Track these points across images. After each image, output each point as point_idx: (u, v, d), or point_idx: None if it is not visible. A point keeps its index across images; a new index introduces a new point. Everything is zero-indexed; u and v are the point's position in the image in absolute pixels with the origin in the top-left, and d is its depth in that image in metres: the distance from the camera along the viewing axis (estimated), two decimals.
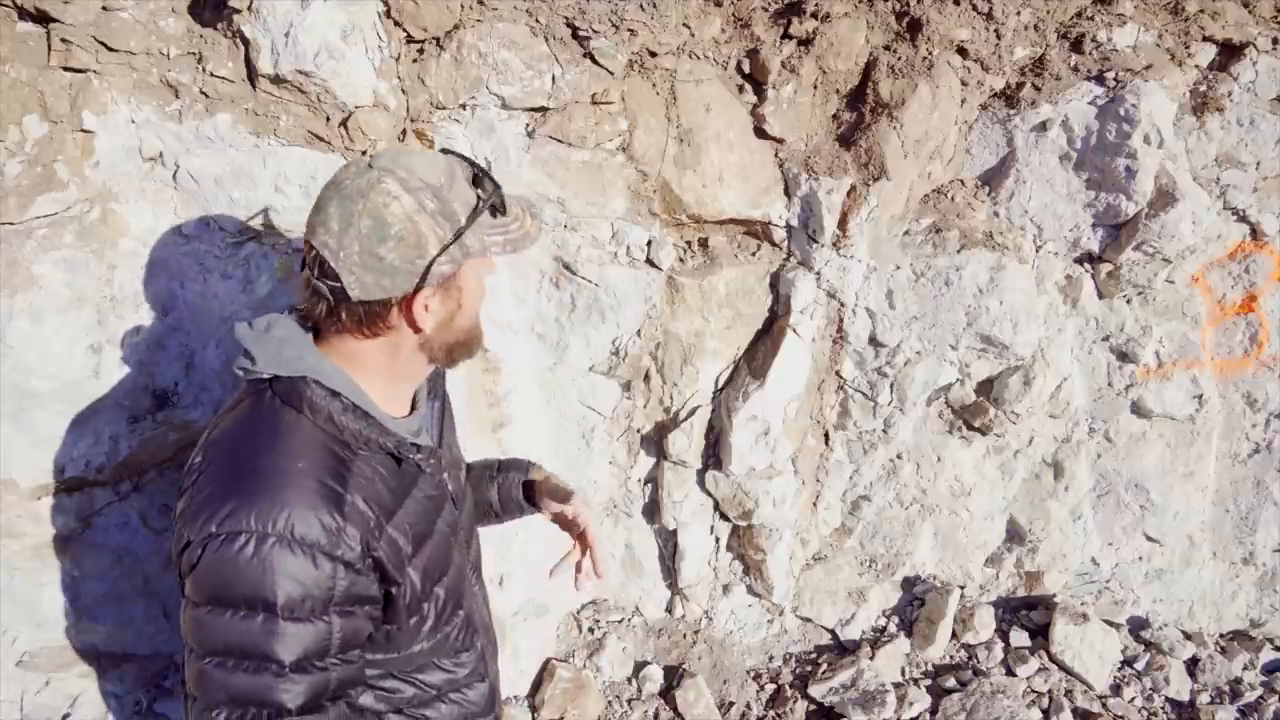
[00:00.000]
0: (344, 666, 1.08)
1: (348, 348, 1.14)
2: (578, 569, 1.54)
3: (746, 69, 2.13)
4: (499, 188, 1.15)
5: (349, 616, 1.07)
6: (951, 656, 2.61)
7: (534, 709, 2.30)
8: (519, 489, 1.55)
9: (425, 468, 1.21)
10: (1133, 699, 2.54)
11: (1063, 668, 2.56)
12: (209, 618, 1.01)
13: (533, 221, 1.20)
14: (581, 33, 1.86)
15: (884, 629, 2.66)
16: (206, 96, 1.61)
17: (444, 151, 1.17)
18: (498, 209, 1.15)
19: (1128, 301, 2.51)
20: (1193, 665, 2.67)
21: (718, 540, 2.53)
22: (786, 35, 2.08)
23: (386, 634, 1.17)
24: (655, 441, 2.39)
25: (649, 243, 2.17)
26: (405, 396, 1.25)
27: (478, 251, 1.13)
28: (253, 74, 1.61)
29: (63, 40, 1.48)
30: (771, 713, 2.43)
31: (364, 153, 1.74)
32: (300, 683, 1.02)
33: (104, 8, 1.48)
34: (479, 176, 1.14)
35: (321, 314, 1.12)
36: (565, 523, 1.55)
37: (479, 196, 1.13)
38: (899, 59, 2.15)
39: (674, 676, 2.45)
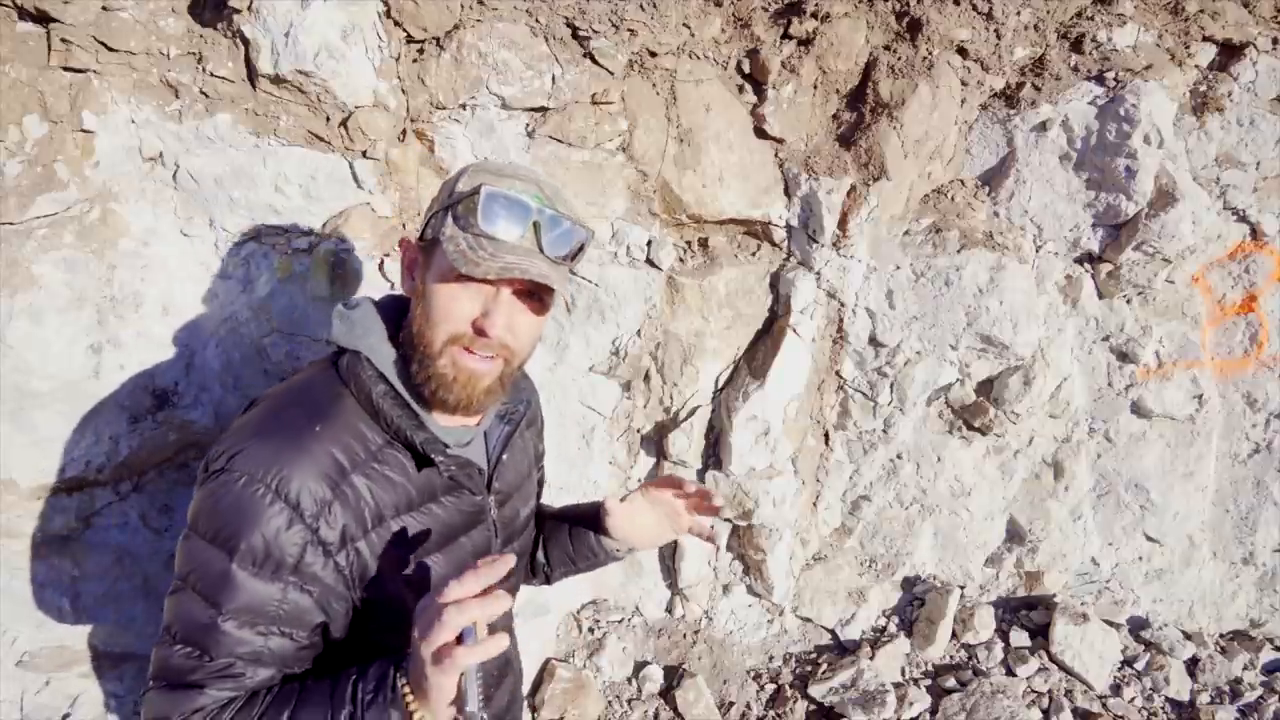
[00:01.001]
0: (278, 640, 1.06)
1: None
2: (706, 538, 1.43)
3: (746, 69, 2.13)
4: (478, 199, 1.09)
5: (301, 592, 1.05)
6: (951, 656, 2.61)
7: (534, 709, 2.30)
8: (591, 513, 1.47)
9: (462, 481, 1.19)
10: (1133, 699, 2.54)
11: (1063, 668, 2.56)
12: (186, 542, 1.05)
13: (536, 265, 1.10)
14: (581, 33, 1.86)
15: (884, 629, 2.66)
16: (206, 96, 1.61)
17: (529, 183, 1.15)
18: (461, 216, 1.11)
19: (1128, 301, 2.51)
20: (1193, 665, 2.67)
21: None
22: (786, 35, 2.08)
23: (373, 639, 1.12)
24: (655, 441, 2.39)
25: (649, 243, 2.16)
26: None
27: (442, 237, 1.11)
28: (253, 74, 1.61)
29: (63, 40, 1.48)
30: (771, 713, 2.43)
31: (364, 153, 1.74)
32: (229, 635, 1.02)
33: (104, 8, 1.48)
34: (509, 200, 1.11)
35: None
36: (657, 486, 1.40)
37: (478, 202, 1.10)
38: (899, 59, 2.14)
39: (674, 676, 2.45)
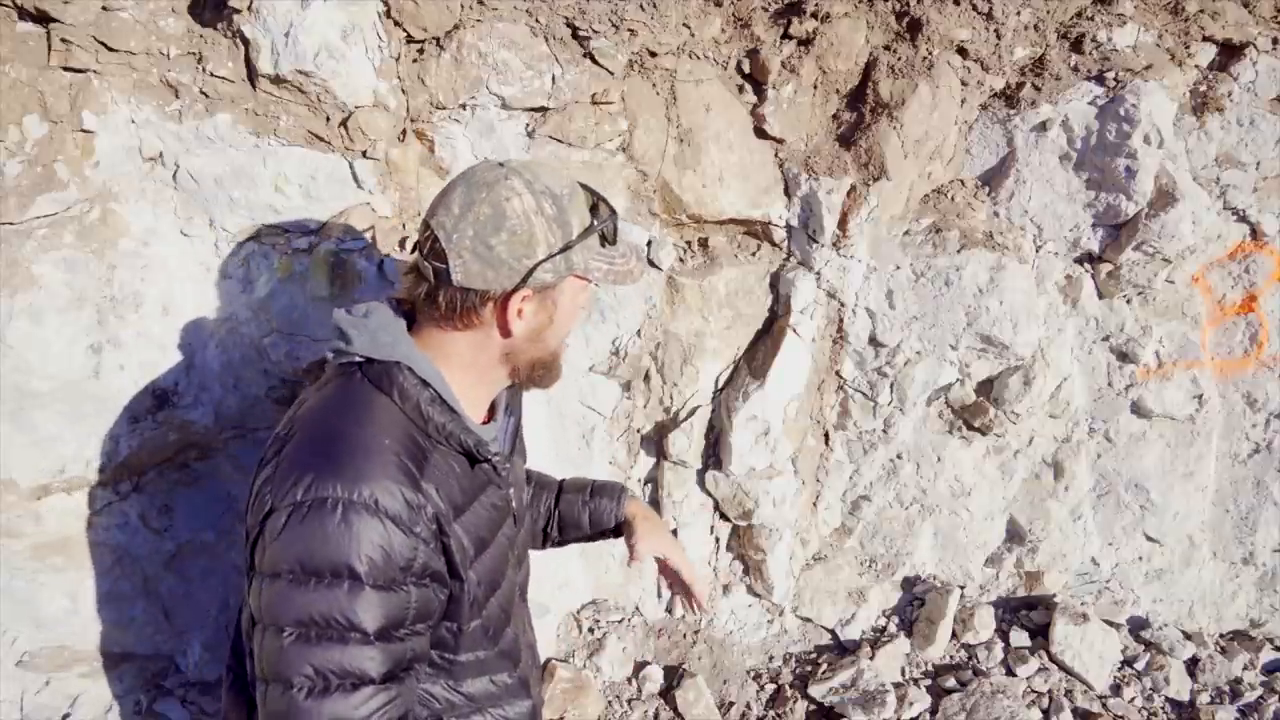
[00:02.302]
0: (416, 639, 1.09)
1: (438, 340, 1.17)
2: (676, 591, 1.64)
3: (746, 69, 2.13)
4: (615, 215, 1.18)
5: (423, 588, 1.07)
6: (951, 656, 2.61)
7: None
8: (611, 518, 1.58)
9: (501, 472, 1.22)
10: (1133, 699, 2.54)
11: (1063, 668, 2.56)
12: (291, 589, 1.00)
13: (638, 263, 1.23)
14: (581, 33, 1.86)
15: (884, 629, 2.66)
16: (206, 96, 1.61)
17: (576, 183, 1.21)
18: (607, 237, 1.18)
19: (1128, 301, 2.51)
20: (1193, 665, 2.67)
21: (718, 540, 2.53)
22: (786, 35, 2.08)
23: (448, 631, 1.17)
24: (655, 441, 2.39)
25: (649, 243, 2.17)
26: (483, 403, 1.26)
27: (580, 269, 1.15)
28: (253, 74, 1.61)
29: (63, 40, 1.48)
30: (771, 713, 2.43)
31: (364, 153, 1.74)
32: (383, 651, 1.02)
33: (104, 8, 1.48)
34: (598, 204, 1.18)
35: (420, 296, 1.16)
36: (663, 567, 1.61)
37: (594, 218, 1.16)
38: (899, 59, 2.15)
39: (674, 676, 2.45)
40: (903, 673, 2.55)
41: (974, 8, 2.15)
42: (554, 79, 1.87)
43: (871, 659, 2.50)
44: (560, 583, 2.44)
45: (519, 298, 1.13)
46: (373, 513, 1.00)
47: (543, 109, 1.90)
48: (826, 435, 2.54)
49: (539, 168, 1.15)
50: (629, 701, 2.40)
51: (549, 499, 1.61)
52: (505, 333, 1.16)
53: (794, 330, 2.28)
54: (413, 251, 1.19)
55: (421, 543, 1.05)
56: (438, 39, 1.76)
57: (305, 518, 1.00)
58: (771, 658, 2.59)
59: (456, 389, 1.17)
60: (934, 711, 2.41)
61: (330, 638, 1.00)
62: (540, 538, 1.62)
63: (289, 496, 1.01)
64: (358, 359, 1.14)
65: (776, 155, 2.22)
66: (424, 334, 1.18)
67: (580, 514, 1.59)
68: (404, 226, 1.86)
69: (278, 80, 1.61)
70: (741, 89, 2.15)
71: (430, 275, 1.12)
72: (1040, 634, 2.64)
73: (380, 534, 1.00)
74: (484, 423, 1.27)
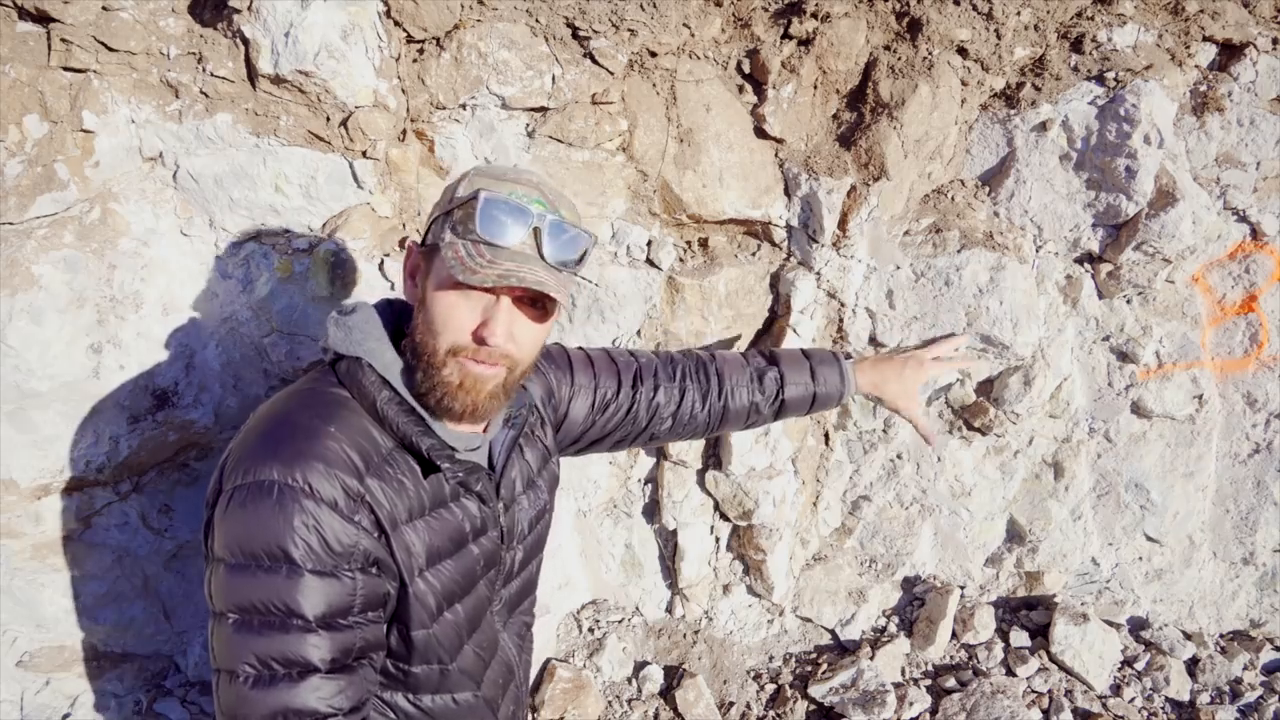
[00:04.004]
0: (367, 628, 1.06)
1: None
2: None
3: (746, 69, 2.13)
4: (476, 215, 1.09)
5: (369, 575, 1.05)
6: (951, 656, 2.61)
7: (534, 709, 2.30)
8: (840, 395, 1.73)
9: (471, 486, 1.19)
10: (1133, 699, 2.54)
11: (1063, 668, 2.56)
12: (231, 574, 0.99)
13: (534, 272, 1.09)
14: (581, 33, 1.86)
15: (884, 629, 2.66)
16: (206, 96, 1.61)
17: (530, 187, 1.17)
18: (460, 223, 1.11)
19: (1128, 301, 2.51)
20: (1193, 665, 2.67)
21: (718, 540, 2.53)
22: (786, 35, 2.08)
23: (398, 633, 1.14)
24: None
25: (649, 243, 2.17)
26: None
27: (442, 242, 1.13)
28: (253, 74, 1.61)
29: (63, 40, 1.48)
30: (771, 713, 2.43)
31: (364, 153, 1.74)
32: (327, 638, 1.00)
33: (104, 8, 1.48)
34: (509, 206, 1.11)
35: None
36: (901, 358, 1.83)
37: (471, 200, 1.11)
38: (899, 59, 2.15)
39: (674, 676, 2.45)
40: (903, 673, 2.55)
41: (974, 8, 2.15)
42: (554, 79, 1.87)
43: (871, 659, 2.50)
44: (560, 583, 2.44)
45: (415, 250, 1.18)
46: (307, 496, 0.99)
47: (543, 109, 1.90)
48: (826, 435, 2.54)
49: (539, 173, 1.18)
50: (629, 701, 2.40)
51: (763, 386, 1.66)
52: (410, 294, 1.19)
53: (794, 330, 2.28)
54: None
55: (364, 531, 1.03)
56: (438, 39, 1.76)
57: (244, 501, 0.99)
58: (771, 658, 2.59)
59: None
60: (934, 711, 2.41)
61: (272, 625, 0.98)
62: (741, 420, 1.69)
63: (231, 480, 1.01)
64: (331, 355, 1.15)
65: (776, 155, 2.22)
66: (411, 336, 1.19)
67: (804, 396, 1.70)
68: (404, 226, 1.86)
69: (278, 80, 1.61)
70: (741, 89, 2.15)
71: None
72: (1040, 634, 2.64)
73: (315, 519, 0.99)
74: (479, 432, 1.23)
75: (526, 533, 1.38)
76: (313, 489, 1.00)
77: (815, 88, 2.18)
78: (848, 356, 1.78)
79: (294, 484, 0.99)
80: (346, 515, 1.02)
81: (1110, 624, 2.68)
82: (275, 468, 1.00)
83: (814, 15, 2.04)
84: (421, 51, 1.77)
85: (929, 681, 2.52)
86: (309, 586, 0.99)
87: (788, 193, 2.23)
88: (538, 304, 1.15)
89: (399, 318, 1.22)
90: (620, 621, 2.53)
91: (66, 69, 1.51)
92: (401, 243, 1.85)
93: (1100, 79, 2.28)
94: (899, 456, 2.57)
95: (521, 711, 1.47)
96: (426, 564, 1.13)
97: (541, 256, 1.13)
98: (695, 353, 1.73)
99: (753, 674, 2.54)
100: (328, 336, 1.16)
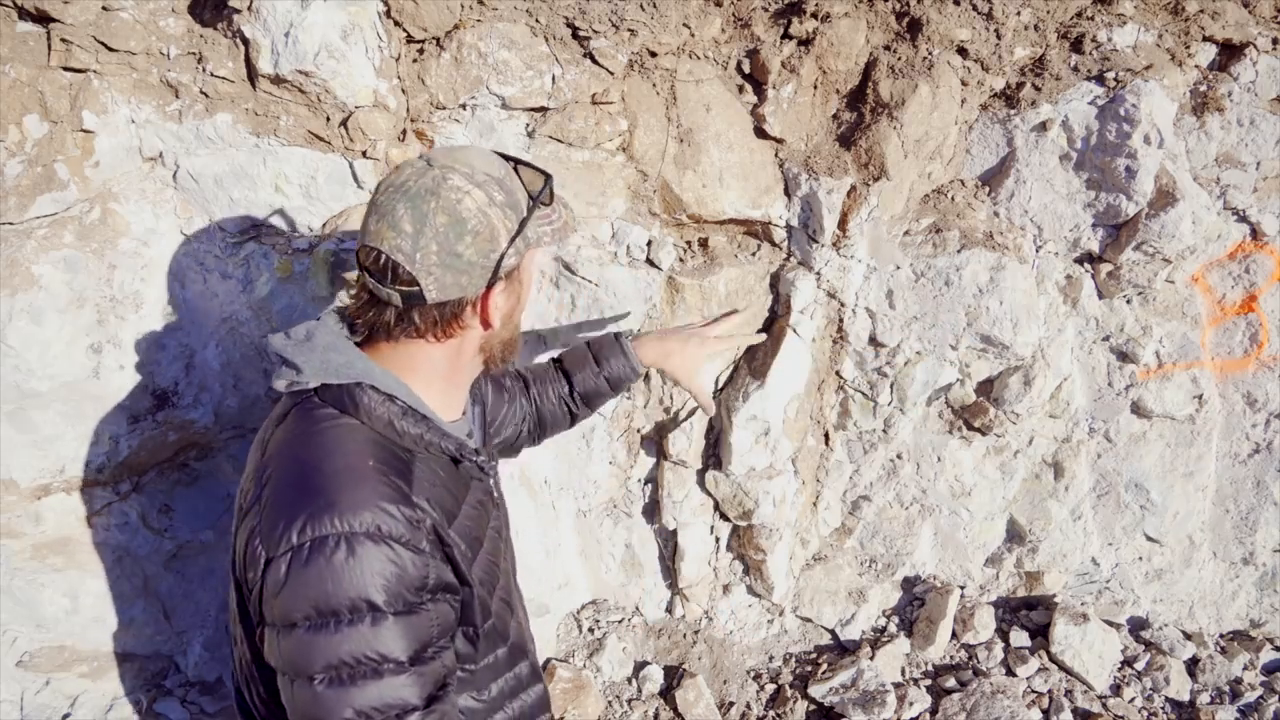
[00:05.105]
0: (445, 654, 1.06)
1: (406, 354, 1.13)
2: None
3: (746, 69, 2.13)
4: (550, 176, 1.15)
5: (440, 603, 1.05)
6: (951, 656, 2.61)
7: None
8: (631, 373, 1.71)
9: (486, 470, 1.21)
10: (1133, 699, 2.54)
11: (1063, 668, 2.56)
12: (311, 635, 0.95)
13: (568, 211, 1.22)
14: (581, 33, 1.86)
15: (884, 629, 2.66)
16: (206, 96, 1.61)
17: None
18: (546, 201, 1.16)
19: (1128, 301, 2.51)
20: (1193, 665, 2.67)
21: (718, 540, 2.53)
22: (786, 35, 2.08)
23: (466, 637, 1.15)
24: (655, 441, 2.39)
25: (649, 243, 2.17)
26: (458, 400, 1.24)
27: (534, 242, 1.14)
28: (253, 74, 1.61)
29: (63, 40, 1.48)
30: (771, 713, 2.43)
31: (364, 153, 1.74)
32: (419, 676, 0.99)
33: (104, 8, 1.48)
34: (518, 166, 1.15)
35: (389, 320, 1.10)
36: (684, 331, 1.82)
37: (526, 186, 1.14)
38: (899, 59, 2.15)
39: (674, 676, 2.45)
40: (903, 673, 2.55)
41: (974, 8, 2.15)
42: (554, 79, 1.87)
43: (871, 659, 2.50)
44: (560, 583, 2.44)
45: (496, 291, 1.11)
46: (377, 540, 0.97)
47: (543, 109, 1.90)
48: (826, 435, 2.54)
49: (464, 153, 1.10)
50: (629, 701, 2.40)
51: (560, 387, 1.67)
52: (487, 325, 1.15)
53: (794, 330, 2.28)
54: (358, 279, 1.11)
55: (430, 558, 1.02)
56: (438, 39, 1.76)
57: (307, 561, 0.95)
58: (771, 658, 2.59)
59: (429, 396, 1.14)
60: (934, 711, 2.41)
61: (365, 675, 0.96)
62: (567, 419, 1.70)
63: (284, 544, 0.96)
64: (311, 386, 1.09)
65: (776, 155, 2.22)
66: (384, 348, 1.14)
67: (600, 385, 1.67)
68: None
69: (278, 80, 1.61)
70: (741, 89, 2.15)
71: (398, 300, 1.07)
72: (1040, 634, 2.64)
73: (390, 559, 0.97)
74: (460, 418, 1.26)
75: (504, 497, 1.42)
76: (380, 530, 0.97)
77: (815, 88, 2.18)
78: (630, 335, 1.81)
79: (359, 530, 0.96)
80: (414, 547, 1.00)
81: (1110, 624, 2.68)
82: (333, 519, 0.96)
83: (814, 15, 2.04)
84: (421, 51, 1.77)
85: (929, 681, 2.52)
86: (396, 629, 0.97)
87: (788, 193, 2.23)
88: None
89: (349, 328, 1.17)
90: (620, 621, 2.53)
91: (66, 69, 1.51)
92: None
93: (1100, 79, 2.28)
94: (899, 456, 2.57)
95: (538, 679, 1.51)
96: (472, 556, 1.15)
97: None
98: (513, 369, 1.75)
99: (753, 674, 2.54)
100: (298, 369, 1.09)
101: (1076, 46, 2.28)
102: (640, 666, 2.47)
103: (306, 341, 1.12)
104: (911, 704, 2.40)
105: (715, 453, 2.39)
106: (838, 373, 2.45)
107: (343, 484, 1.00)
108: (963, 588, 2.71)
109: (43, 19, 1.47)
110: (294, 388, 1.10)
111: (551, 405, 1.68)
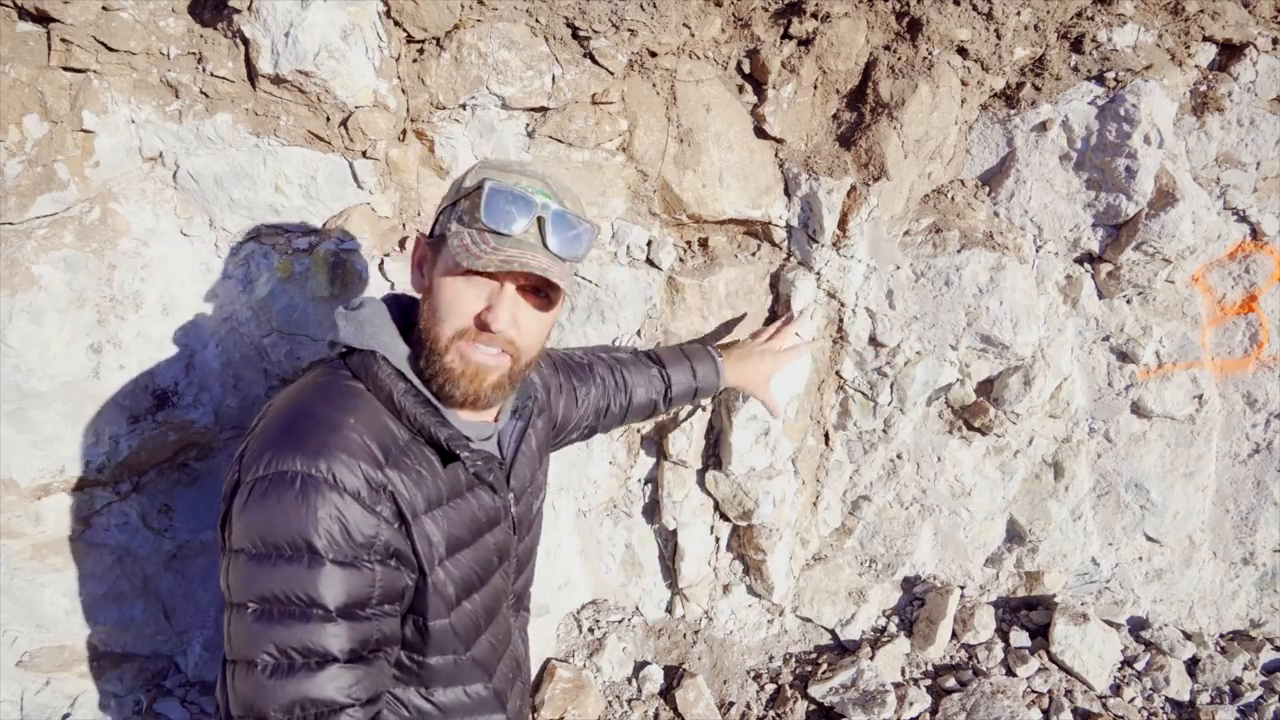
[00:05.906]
0: (384, 620, 1.07)
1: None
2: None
3: (746, 69, 2.13)
4: (493, 196, 1.11)
5: (388, 567, 1.06)
6: (951, 656, 2.61)
7: (534, 709, 2.30)
8: (718, 383, 1.94)
9: (485, 476, 1.20)
10: (1133, 699, 2.54)
11: (1063, 668, 2.56)
12: (251, 564, 0.99)
13: (537, 259, 1.11)
14: (581, 33, 1.86)
15: (884, 629, 2.66)
16: (206, 96, 1.61)
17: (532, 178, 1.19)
18: (466, 212, 1.13)
19: (1128, 301, 2.51)
20: (1193, 665, 2.67)
21: (718, 540, 2.53)
22: (786, 35, 2.08)
23: (415, 625, 1.15)
24: (655, 441, 2.39)
25: (649, 243, 2.17)
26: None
27: (451, 230, 1.15)
28: (253, 74, 1.61)
29: (63, 40, 1.48)
30: (771, 713, 2.43)
31: (364, 153, 1.74)
32: (347, 628, 1.01)
33: (104, 8, 1.48)
34: (513, 195, 1.13)
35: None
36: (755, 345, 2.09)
37: (481, 190, 1.13)
38: (899, 59, 2.15)
39: (674, 676, 2.45)
40: (903, 673, 2.55)
41: (974, 8, 2.15)
42: (554, 79, 1.87)
43: (871, 659, 2.50)
44: (560, 583, 2.44)
45: (422, 242, 1.20)
46: (331, 487, 1.00)
47: (543, 109, 1.90)
48: (826, 435, 2.54)
49: (544, 167, 1.18)
50: (629, 701, 2.40)
51: (658, 386, 1.84)
52: (418, 285, 1.20)
53: (794, 330, 2.28)
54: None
55: (384, 522, 1.04)
56: (438, 39, 1.76)
57: (266, 492, 0.99)
58: (771, 658, 2.59)
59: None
60: (934, 711, 2.41)
61: (292, 614, 0.98)
62: (651, 410, 1.88)
63: (252, 471, 1.01)
64: (341, 349, 1.16)
65: (776, 155, 2.22)
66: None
67: (690, 391, 1.88)
68: (404, 226, 1.86)
69: (278, 80, 1.61)
70: (741, 89, 2.15)
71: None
72: (1040, 634, 2.64)
73: (338, 509, 1.00)
74: (490, 421, 1.26)
75: (531, 524, 1.40)
76: (336, 479, 1.01)
77: (815, 88, 2.18)
78: (718, 353, 1.99)
79: (317, 474, 1.00)
80: (369, 506, 1.03)
81: (1110, 624, 2.68)
82: (298, 459, 1.00)
83: (814, 15, 2.04)
84: (421, 51, 1.77)
85: (929, 681, 2.52)
86: (330, 576, 1.00)
87: (788, 193, 2.23)
88: (541, 293, 1.16)
89: (405, 312, 1.23)
90: (620, 621, 2.53)
91: (66, 69, 1.51)
92: (402, 243, 1.85)
93: (1100, 79, 2.28)
94: (899, 456, 2.57)
95: (526, 708, 1.48)
96: (446, 554, 1.15)
97: (545, 246, 1.14)
98: (600, 354, 1.85)
99: (753, 674, 2.54)
100: (338, 331, 1.17)
101: (1076, 46, 2.28)
102: (640, 666, 2.47)
103: (356, 311, 1.19)
104: (911, 704, 2.40)
105: (715, 453, 2.39)
106: (838, 373, 2.45)
107: (317, 430, 1.04)
108: (963, 588, 2.71)
109: (43, 19, 1.47)
110: (333, 350, 1.20)
111: (640, 399, 1.82)
